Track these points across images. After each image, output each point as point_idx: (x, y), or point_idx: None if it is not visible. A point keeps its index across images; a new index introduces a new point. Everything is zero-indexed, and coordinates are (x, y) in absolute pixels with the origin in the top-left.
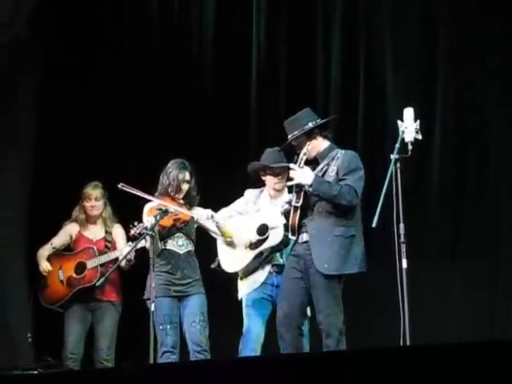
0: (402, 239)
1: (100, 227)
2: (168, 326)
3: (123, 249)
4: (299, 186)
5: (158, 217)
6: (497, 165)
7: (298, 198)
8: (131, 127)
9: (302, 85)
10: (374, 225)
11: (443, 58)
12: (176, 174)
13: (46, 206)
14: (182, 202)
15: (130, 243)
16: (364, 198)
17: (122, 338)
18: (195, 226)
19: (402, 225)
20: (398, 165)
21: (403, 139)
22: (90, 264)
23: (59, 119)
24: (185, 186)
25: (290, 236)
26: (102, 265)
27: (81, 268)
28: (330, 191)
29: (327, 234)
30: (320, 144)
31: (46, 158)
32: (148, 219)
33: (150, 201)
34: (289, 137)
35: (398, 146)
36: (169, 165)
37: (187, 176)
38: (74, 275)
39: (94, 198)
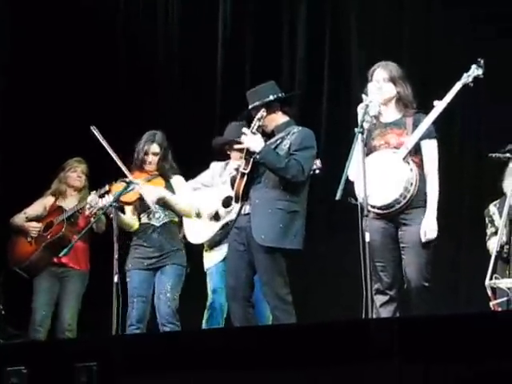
0: (366, 212)
1: (75, 199)
2: (135, 300)
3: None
4: (249, 154)
5: (122, 190)
6: (460, 136)
7: (246, 164)
8: (99, 109)
9: (267, 61)
10: (337, 197)
11: (408, 38)
12: (143, 146)
13: (15, 181)
14: (155, 173)
15: (94, 191)
16: (329, 171)
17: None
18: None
19: (365, 198)
20: (363, 138)
21: (368, 113)
22: (56, 220)
23: (24, 114)
24: (152, 159)
25: (233, 203)
26: (68, 219)
27: (49, 226)
28: (277, 162)
29: (269, 205)
30: (278, 118)
31: (12, 146)
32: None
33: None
34: (249, 106)
35: (361, 118)
36: (142, 137)
37: (154, 148)
38: (42, 233)
39: (81, 171)
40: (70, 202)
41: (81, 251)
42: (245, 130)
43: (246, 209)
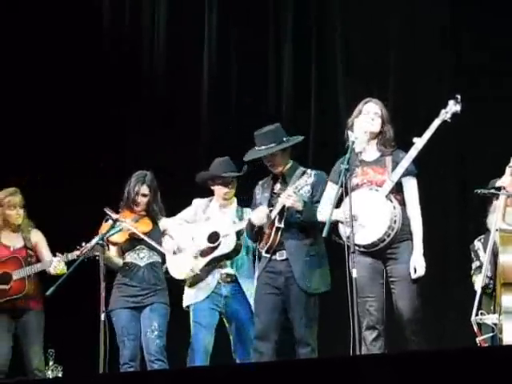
0: (352, 249)
1: (18, 234)
2: (125, 339)
3: (53, 260)
4: (283, 210)
5: (113, 231)
6: (445, 173)
7: (280, 219)
8: (68, 130)
9: (253, 89)
10: (324, 234)
11: (396, 68)
12: (133, 186)
13: None
14: (143, 213)
15: (59, 254)
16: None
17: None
18: (162, 237)
19: (352, 234)
20: (348, 175)
21: (353, 149)
22: (16, 275)
23: None
24: (141, 200)
25: (263, 254)
26: (29, 276)
27: (6, 278)
28: (315, 217)
29: (304, 253)
30: (286, 162)
31: None
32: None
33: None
34: (262, 147)
35: (348, 156)
36: (132, 176)
37: (144, 190)
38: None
39: (19, 206)
40: (12, 239)
41: (34, 292)
42: (289, 189)
43: (283, 254)
